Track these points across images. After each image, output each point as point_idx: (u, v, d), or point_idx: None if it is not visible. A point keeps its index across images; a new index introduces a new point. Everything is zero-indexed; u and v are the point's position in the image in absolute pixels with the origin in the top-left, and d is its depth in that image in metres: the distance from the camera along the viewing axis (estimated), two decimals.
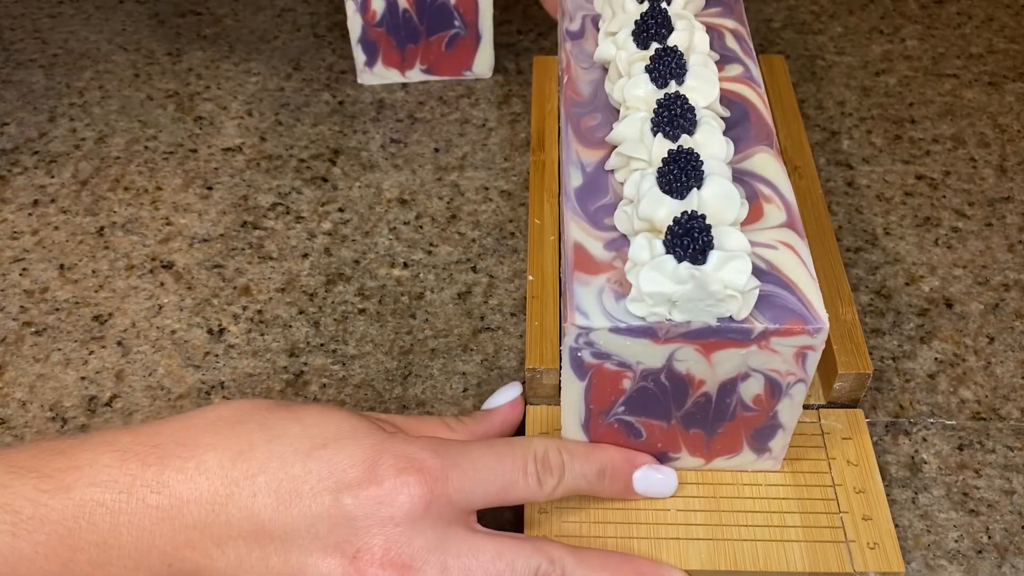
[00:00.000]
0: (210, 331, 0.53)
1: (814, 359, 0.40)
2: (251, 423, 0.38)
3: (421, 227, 0.59)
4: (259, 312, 0.54)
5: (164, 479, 0.36)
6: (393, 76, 0.68)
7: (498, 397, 0.48)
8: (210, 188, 0.61)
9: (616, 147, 0.44)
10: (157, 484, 0.36)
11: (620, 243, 0.42)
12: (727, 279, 0.37)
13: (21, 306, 0.54)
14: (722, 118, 0.45)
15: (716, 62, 0.48)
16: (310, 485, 0.37)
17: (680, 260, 0.37)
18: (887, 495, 0.45)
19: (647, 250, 0.38)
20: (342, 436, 0.38)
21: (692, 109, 0.42)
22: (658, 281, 0.37)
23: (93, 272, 0.56)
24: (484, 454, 0.40)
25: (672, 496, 0.45)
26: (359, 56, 0.67)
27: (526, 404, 0.48)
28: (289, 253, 0.57)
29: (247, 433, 0.38)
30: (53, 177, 0.62)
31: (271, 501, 0.37)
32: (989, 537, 0.45)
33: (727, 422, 0.43)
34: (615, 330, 0.39)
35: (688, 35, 0.46)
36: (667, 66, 0.44)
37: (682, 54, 0.45)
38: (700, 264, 0.37)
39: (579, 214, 0.43)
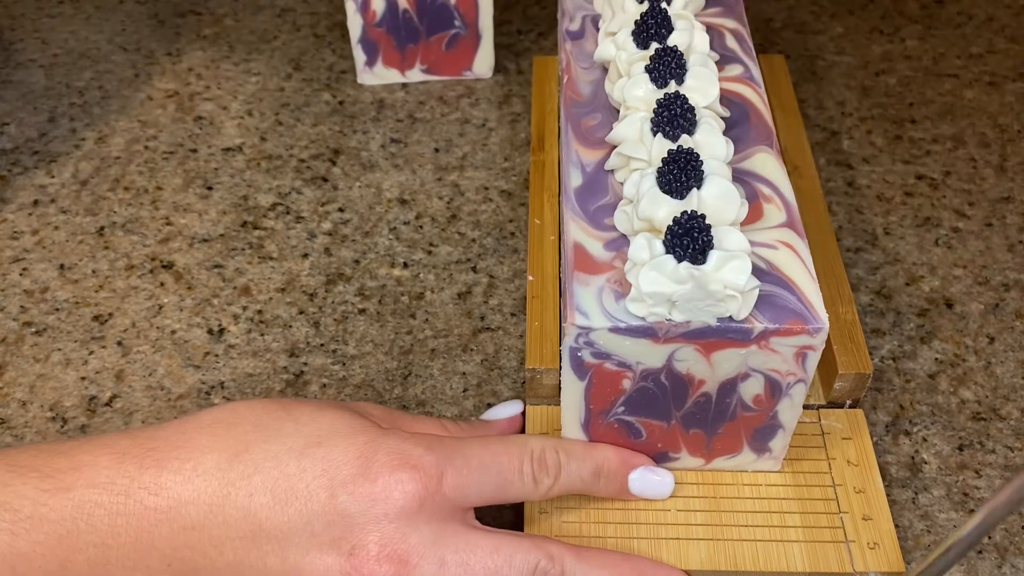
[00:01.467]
0: (210, 331, 0.53)
1: (814, 359, 0.40)
2: (247, 424, 0.39)
3: (421, 227, 0.59)
4: (259, 312, 0.54)
5: (162, 481, 0.37)
6: (393, 76, 0.68)
7: (498, 411, 0.48)
8: (210, 188, 0.61)
9: (616, 147, 0.44)
10: (155, 486, 0.36)
11: (620, 243, 0.42)
12: (727, 279, 0.37)
13: (21, 306, 0.54)
14: (722, 118, 0.45)
15: (716, 62, 0.48)
16: (305, 483, 0.37)
17: (680, 260, 0.37)
18: (887, 495, 0.45)
19: (647, 250, 0.38)
20: (336, 433, 0.39)
21: (692, 109, 0.42)
22: (658, 281, 0.37)
23: (93, 272, 0.56)
24: (480, 452, 0.40)
25: (672, 496, 0.45)
26: (359, 56, 0.67)
27: (525, 405, 0.48)
28: (289, 253, 0.57)
29: (243, 434, 0.38)
30: (53, 177, 0.62)
31: (267, 500, 0.37)
32: (989, 537, 0.45)
33: (727, 422, 0.43)
34: (615, 330, 0.39)
35: (688, 35, 0.46)
36: (667, 66, 0.44)
37: (682, 54, 0.45)
38: (700, 264, 0.37)
39: (579, 214, 0.43)
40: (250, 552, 0.37)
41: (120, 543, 0.36)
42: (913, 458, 0.48)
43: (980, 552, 0.44)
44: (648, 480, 0.44)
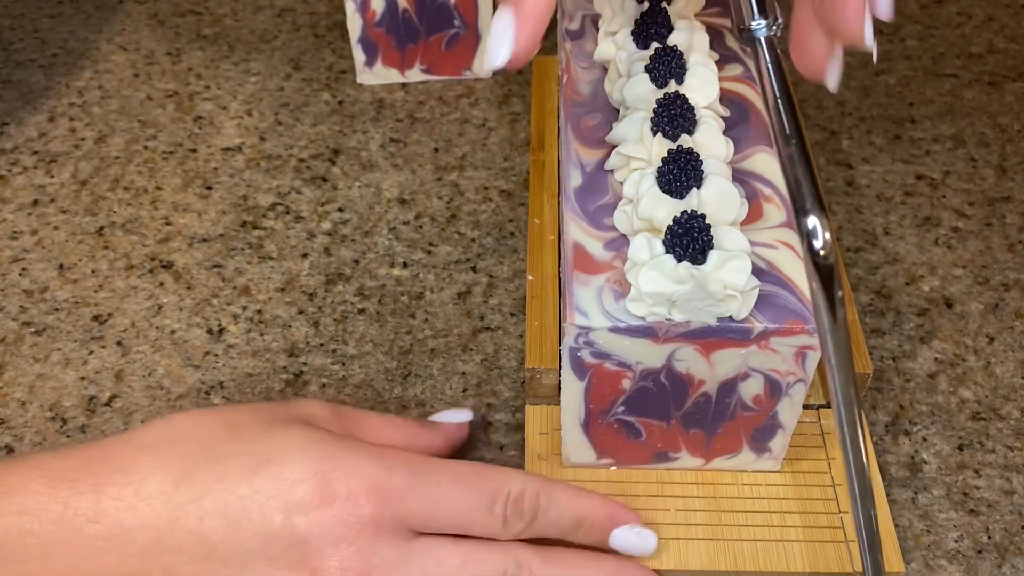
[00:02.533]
0: (210, 331, 0.53)
1: (814, 359, 0.40)
2: (191, 443, 0.37)
3: (421, 227, 0.59)
4: (259, 312, 0.54)
5: (102, 508, 0.35)
6: (393, 76, 0.68)
7: (447, 415, 0.46)
8: (210, 188, 0.61)
9: (616, 147, 0.44)
10: (95, 513, 0.35)
11: (620, 243, 0.42)
12: (726, 279, 0.37)
13: (21, 306, 0.54)
14: (722, 118, 0.45)
15: (716, 62, 0.48)
16: (259, 505, 0.35)
17: (679, 260, 0.37)
18: (887, 495, 0.45)
19: (646, 250, 0.38)
20: (289, 449, 0.37)
21: (692, 109, 0.42)
22: (657, 281, 0.37)
23: (93, 272, 0.56)
24: (450, 480, 0.38)
25: (672, 496, 0.45)
26: (359, 56, 0.67)
27: (526, 404, 0.48)
28: (289, 253, 0.57)
29: (188, 454, 0.36)
30: (53, 177, 0.62)
31: (220, 523, 0.35)
32: (989, 537, 0.45)
33: (727, 422, 0.43)
34: (614, 330, 0.39)
35: (688, 35, 0.46)
36: (667, 66, 0.44)
37: (682, 54, 0.45)
38: (699, 264, 0.37)
39: (578, 214, 0.43)
40: None
41: (57, 572, 0.34)
42: (913, 458, 0.48)
43: (980, 552, 0.44)
44: (629, 540, 0.41)
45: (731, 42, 0.50)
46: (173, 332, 0.53)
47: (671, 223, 0.38)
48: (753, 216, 0.42)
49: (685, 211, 0.38)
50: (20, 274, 0.56)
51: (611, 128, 0.45)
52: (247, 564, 0.35)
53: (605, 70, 0.49)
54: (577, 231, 0.42)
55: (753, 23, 0.37)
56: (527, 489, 0.39)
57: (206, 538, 0.35)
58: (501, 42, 0.34)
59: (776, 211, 0.42)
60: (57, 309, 0.54)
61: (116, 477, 0.35)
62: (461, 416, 0.46)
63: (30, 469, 0.35)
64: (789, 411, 0.42)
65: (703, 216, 0.38)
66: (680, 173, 0.39)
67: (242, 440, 0.37)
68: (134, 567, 0.35)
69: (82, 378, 0.51)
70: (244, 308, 0.54)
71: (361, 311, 0.54)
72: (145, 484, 0.35)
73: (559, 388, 0.44)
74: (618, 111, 0.46)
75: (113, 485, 0.35)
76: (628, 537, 0.41)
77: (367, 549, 0.36)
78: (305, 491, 0.36)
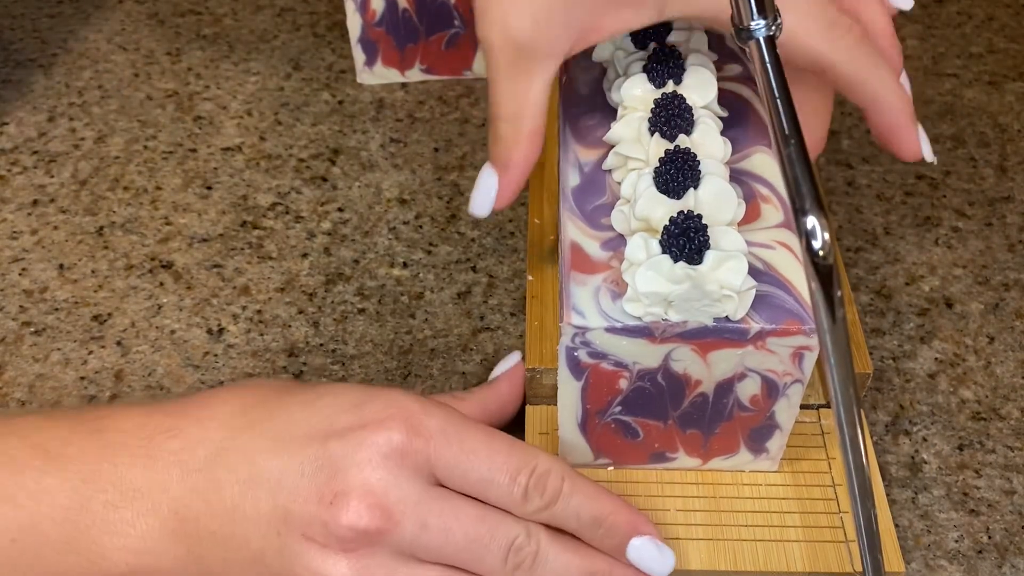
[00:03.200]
0: (209, 331, 0.53)
1: (811, 359, 0.40)
2: (268, 389, 0.40)
3: (421, 227, 0.59)
4: (258, 312, 0.54)
5: (181, 426, 0.38)
6: (393, 76, 0.68)
7: (498, 369, 0.48)
8: (209, 188, 0.61)
9: (613, 147, 0.44)
10: (175, 430, 0.38)
11: (617, 243, 0.42)
12: (723, 279, 0.37)
13: (20, 306, 0.55)
14: (720, 118, 0.45)
15: (715, 62, 0.48)
16: (305, 430, 0.37)
17: (676, 260, 0.37)
18: (887, 495, 0.45)
19: (643, 250, 0.38)
20: (345, 386, 0.40)
21: (690, 109, 0.42)
22: (654, 281, 0.37)
23: (92, 272, 0.56)
24: (480, 438, 0.38)
25: (672, 496, 0.44)
26: (359, 56, 0.67)
27: (526, 404, 0.48)
28: (288, 253, 0.57)
29: (262, 392, 0.40)
30: (52, 177, 0.62)
31: (267, 444, 0.37)
32: (989, 537, 0.45)
33: (724, 422, 0.43)
34: (611, 330, 0.39)
35: (686, 35, 0.46)
36: (665, 66, 0.44)
37: (680, 54, 0.45)
38: (696, 264, 0.37)
39: (576, 214, 0.43)
40: (246, 497, 0.37)
41: (136, 485, 0.37)
42: (913, 458, 0.48)
43: (980, 552, 0.44)
44: (648, 552, 0.40)
45: (730, 42, 0.50)
46: (173, 332, 0.53)
47: (668, 223, 0.38)
48: (751, 216, 0.42)
49: (682, 211, 0.38)
50: (20, 274, 0.56)
51: (609, 128, 0.45)
52: (282, 484, 0.37)
53: (604, 70, 0.49)
54: (574, 231, 0.42)
55: (752, 23, 0.37)
56: (554, 470, 0.38)
57: (253, 458, 0.37)
58: (484, 200, 0.44)
59: (774, 211, 0.42)
60: (57, 309, 0.54)
61: (200, 404, 0.39)
62: (509, 362, 0.48)
63: (134, 405, 0.40)
64: (786, 412, 0.42)
65: (700, 216, 0.38)
66: (677, 173, 0.39)
67: (311, 385, 0.41)
68: (193, 482, 0.37)
69: (82, 378, 0.51)
70: (244, 308, 0.54)
71: (361, 311, 0.54)
72: (221, 410, 0.39)
73: None
74: (616, 111, 0.46)
75: (195, 408, 0.39)
76: (648, 548, 0.40)
77: (390, 478, 0.37)
78: (347, 419, 0.38)
